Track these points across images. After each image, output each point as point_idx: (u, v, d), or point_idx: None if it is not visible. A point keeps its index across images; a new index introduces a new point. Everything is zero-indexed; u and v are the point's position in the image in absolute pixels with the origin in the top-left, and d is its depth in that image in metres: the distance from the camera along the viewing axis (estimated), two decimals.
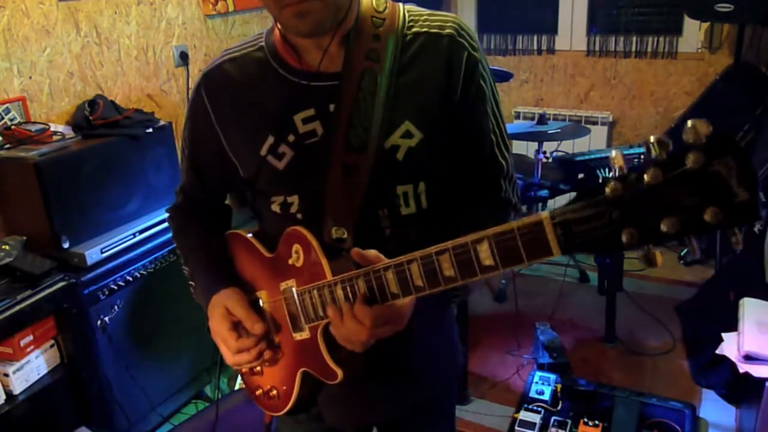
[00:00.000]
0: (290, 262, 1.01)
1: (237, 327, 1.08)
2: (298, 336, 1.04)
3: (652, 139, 0.61)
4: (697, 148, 0.58)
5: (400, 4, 1.05)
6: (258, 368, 1.14)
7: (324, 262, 0.96)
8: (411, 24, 1.02)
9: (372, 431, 1.35)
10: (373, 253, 0.90)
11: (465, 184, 1.08)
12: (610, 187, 0.63)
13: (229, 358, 1.08)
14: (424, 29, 1.01)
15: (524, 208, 3.01)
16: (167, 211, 1.26)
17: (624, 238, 0.63)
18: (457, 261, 0.78)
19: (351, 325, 0.90)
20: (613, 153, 0.65)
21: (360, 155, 0.98)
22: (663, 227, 0.61)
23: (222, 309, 1.08)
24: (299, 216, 1.05)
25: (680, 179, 0.60)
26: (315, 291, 0.97)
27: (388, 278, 0.86)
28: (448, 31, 1.00)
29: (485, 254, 0.75)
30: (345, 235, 0.98)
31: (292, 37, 1.01)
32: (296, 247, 1.00)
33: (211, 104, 1.07)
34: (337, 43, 1.00)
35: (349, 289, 0.91)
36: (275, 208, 1.07)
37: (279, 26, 1.02)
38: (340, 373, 0.98)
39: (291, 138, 1.02)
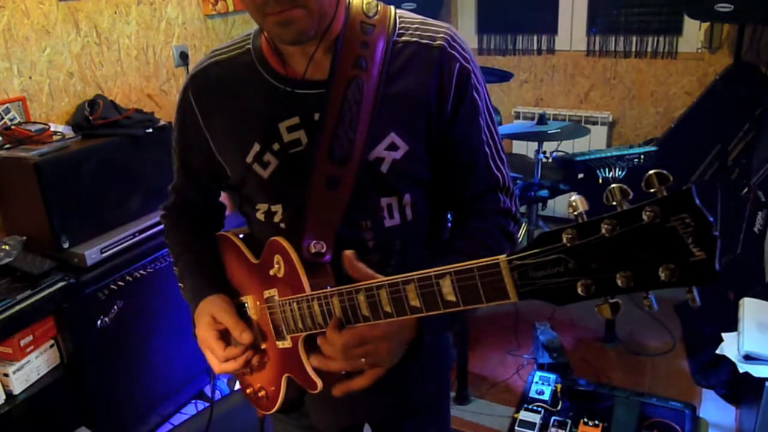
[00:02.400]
0: (272, 272, 1.02)
1: (224, 335, 1.07)
2: (281, 344, 1.04)
3: (613, 186, 0.60)
4: (655, 202, 0.57)
5: (392, 9, 1.01)
6: (247, 369, 1.15)
7: (303, 276, 0.96)
8: (401, 32, 0.98)
9: (362, 431, 1.35)
10: (361, 267, 0.88)
11: (461, 196, 1.06)
12: (567, 236, 0.63)
13: (216, 366, 1.08)
14: (415, 39, 0.98)
15: (523, 208, 3.01)
16: (161, 209, 1.26)
17: (579, 289, 0.63)
18: (421, 292, 0.78)
19: (326, 349, 0.91)
20: (573, 198, 0.63)
21: (343, 167, 0.96)
22: (618, 281, 0.60)
23: (209, 317, 1.08)
24: (282, 225, 1.04)
25: (636, 233, 0.59)
26: (294, 303, 0.97)
27: (360, 300, 0.86)
28: (439, 42, 0.97)
29: (447, 289, 0.76)
30: (324, 249, 0.97)
31: (278, 43, 0.99)
32: (277, 257, 1.00)
33: (198, 107, 1.06)
34: (324, 50, 0.97)
35: (324, 306, 0.91)
36: (260, 216, 1.07)
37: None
38: (319, 384, 0.98)
39: (276, 146, 1.00)
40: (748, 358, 2.06)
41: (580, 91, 3.89)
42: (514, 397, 2.56)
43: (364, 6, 0.99)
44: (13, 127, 2.21)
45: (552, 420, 2.37)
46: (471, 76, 0.99)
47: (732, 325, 2.25)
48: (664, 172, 0.57)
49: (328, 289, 0.91)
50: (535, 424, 2.35)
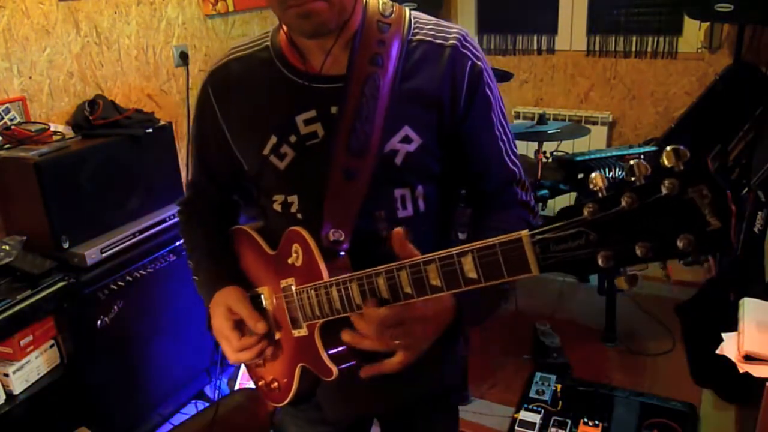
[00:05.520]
0: (290, 261, 1.04)
1: (239, 325, 1.10)
2: (297, 333, 1.06)
3: (632, 162, 0.62)
4: (674, 175, 0.59)
5: (407, 10, 1.05)
6: (260, 361, 1.17)
7: (321, 263, 0.98)
8: (416, 31, 1.03)
9: (372, 422, 1.36)
10: (410, 247, 0.88)
11: (479, 191, 1.09)
12: (588, 209, 0.65)
13: (232, 356, 1.10)
14: (428, 38, 1.02)
15: None
16: (177, 204, 1.29)
17: (600, 261, 0.65)
18: (443, 271, 0.79)
19: (361, 326, 0.91)
20: (593, 174, 0.65)
21: (360, 160, 0.99)
22: (637, 251, 0.62)
23: (224, 308, 1.10)
24: (299, 216, 1.06)
25: (655, 205, 0.61)
26: (312, 291, 0.98)
27: (380, 284, 0.87)
28: (451, 41, 1.01)
29: (469, 267, 0.76)
30: (342, 238, 0.99)
31: (297, 38, 1.02)
32: (296, 246, 1.02)
33: (217, 102, 1.09)
34: (342, 46, 1.00)
35: (343, 291, 0.92)
36: (276, 207, 1.09)
37: (284, 27, 1.03)
38: (335, 370, 1.00)
39: (293, 139, 1.03)
40: (748, 358, 2.06)
41: (580, 91, 3.89)
42: (514, 397, 2.56)
43: (381, 6, 1.04)
44: (13, 127, 2.21)
45: (552, 420, 2.37)
46: (483, 73, 1.02)
47: (732, 325, 2.24)
48: (681, 147, 0.60)
49: (347, 274, 0.93)
50: (535, 424, 2.35)
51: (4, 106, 2.24)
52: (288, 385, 1.11)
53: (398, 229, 0.88)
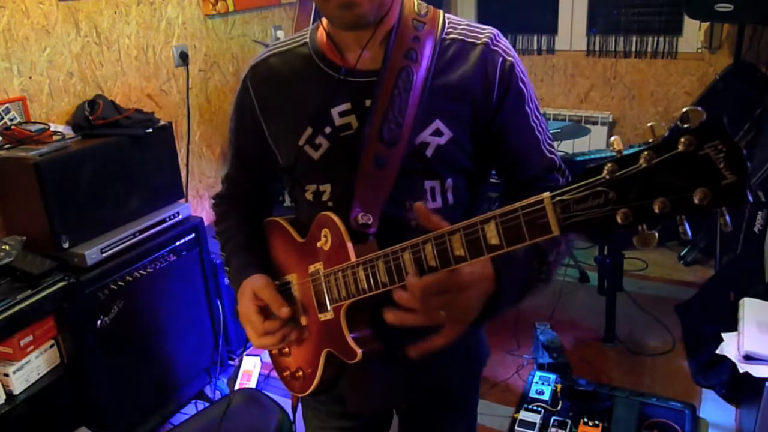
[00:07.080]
0: (319, 245, 1.07)
1: (264, 310, 1.13)
2: (323, 317, 1.08)
3: (649, 124, 0.64)
4: (689, 132, 0.61)
5: (441, 12, 1.09)
6: (286, 350, 1.20)
7: (349, 244, 1.01)
8: (449, 30, 1.07)
9: (392, 417, 1.38)
10: (436, 218, 0.88)
11: (520, 181, 1.11)
12: (607, 169, 0.66)
13: (255, 340, 1.12)
14: (461, 37, 1.06)
15: None
16: (213, 198, 1.33)
17: (618, 219, 0.66)
18: (466, 240, 0.81)
19: (404, 299, 0.90)
20: (613, 138, 0.67)
21: (391, 148, 1.02)
22: (655, 208, 0.63)
23: (250, 293, 1.13)
24: (330, 204, 1.10)
25: (672, 161, 0.62)
26: (339, 272, 1.01)
27: (405, 259, 0.89)
28: (483, 40, 1.05)
29: (492, 233, 0.78)
30: (370, 221, 1.02)
31: (335, 34, 1.06)
32: (325, 231, 1.06)
33: (255, 95, 1.14)
34: (378, 42, 1.04)
35: (369, 270, 0.94)
36: (308, 196, 1.13)
37: (323, 22, 1.08)
38: (359, 352, 1.02)
39: (327, 130, 1.07)
40: (748, 358, 2.06)
41: (580, 91, 3.89)
42: (514, 397, 2.56)
43: (416, 6, 1.08)
44: (13, 127, 2.21)
45: (552, 420, 2.38)
46: (515, 67, 1.06)
47: (732, 325, 2.25)
48: (699, 108, 0.61)
49: (374, 253, 0.94)
50: (535, 424, 2.35)
51: (4, 106, 2.24)
52: (312, 374, 1.14)
53: (419, 203, 0.89)
